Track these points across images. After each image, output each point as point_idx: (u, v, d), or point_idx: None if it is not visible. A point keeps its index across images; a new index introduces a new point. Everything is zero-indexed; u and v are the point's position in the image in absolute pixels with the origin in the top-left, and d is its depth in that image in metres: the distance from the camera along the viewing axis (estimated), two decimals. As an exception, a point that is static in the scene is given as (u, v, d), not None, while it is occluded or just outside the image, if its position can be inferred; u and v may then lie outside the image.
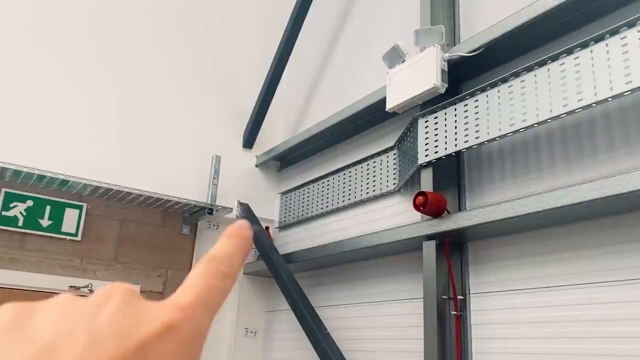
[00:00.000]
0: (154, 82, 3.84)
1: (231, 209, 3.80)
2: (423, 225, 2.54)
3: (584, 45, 2.10)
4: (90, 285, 3.26)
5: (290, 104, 4.43)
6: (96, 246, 3.40)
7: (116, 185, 3.24)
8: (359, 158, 3.42)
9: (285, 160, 4.24)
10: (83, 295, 0.31)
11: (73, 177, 3.11)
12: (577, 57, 2.12)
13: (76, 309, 0.29)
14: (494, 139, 2.35)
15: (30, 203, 3.20)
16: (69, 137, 3.37)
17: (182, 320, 0.30)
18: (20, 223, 3.16)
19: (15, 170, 2.96)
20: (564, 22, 2.33)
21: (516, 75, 2.34)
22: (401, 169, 3.00)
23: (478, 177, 2.64)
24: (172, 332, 0.29)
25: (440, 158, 2.56)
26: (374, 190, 3.21)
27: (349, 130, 3.53)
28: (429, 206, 2.43)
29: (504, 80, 2.38)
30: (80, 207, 3.35)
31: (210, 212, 3.62)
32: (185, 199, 3.52)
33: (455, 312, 2.47)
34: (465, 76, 2.77)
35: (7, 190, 3.16)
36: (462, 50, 2.59)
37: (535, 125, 2.21)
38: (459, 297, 2.50)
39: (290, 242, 3.95)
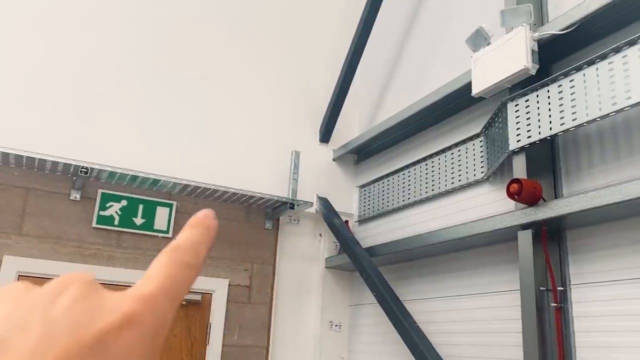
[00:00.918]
0: (235, 82, 3.93)
1: (311, 204, 3.83)
2: (518, 214, 2.44)
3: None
4: (182, 281, 3.37)
5: (365, 96, 4.40)
6: None
7: (203, 183, 3.35)
8: (441, 147, 3.33)
9: (362, 153, 4.21)
10: (38, 284, 0.30)
11: (163, 176, 3.23)
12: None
13: (30, 300, 0.28)
14: (595, 120, 2.21)
15: (124, 203, 3.36)
16: (157, 139, 3.51)
17: (143, 311, 0.29)
18: (116, 222, 3.32)
19: (111, 171, 3.12)
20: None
21: (616, 50, 2.19)
22: (489, 157, 2.89)
23: (575, 161, 2.50)
24: (132, 323, 0.28)
25: (534, 143, 2.45)
26: (459, 180, 3.12)
27: (429, 119, 3.45)
28: (524, 194, 2.33)
29: (603, 57, 2.23)
30: (170, 205, 3.48)
31: (292, 207, 3.66)
32: (268, 195, 3.58)
33: (555, 304, 2.36)
34: (555, 56, 2.63)
35: (104, 191, 3.33)
36: (553, 28, 2.46)
37: (642, 102, 2.06)
38: (558, 288, 2.38)
39: (370, 235, 3.92)
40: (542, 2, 2.80)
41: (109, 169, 3.09)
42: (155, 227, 3.41)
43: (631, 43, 2.13)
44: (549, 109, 2.40)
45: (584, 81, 2.28)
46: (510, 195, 2.37)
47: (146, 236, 3.41)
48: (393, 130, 3.67)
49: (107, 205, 3.32)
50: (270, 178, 3.82)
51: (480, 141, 3.01)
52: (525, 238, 2.44)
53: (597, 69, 2.24)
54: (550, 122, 2.38)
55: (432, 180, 3.35)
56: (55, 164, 3.04)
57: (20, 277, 3.07)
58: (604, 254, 2.32)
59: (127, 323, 0.28)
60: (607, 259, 2.30)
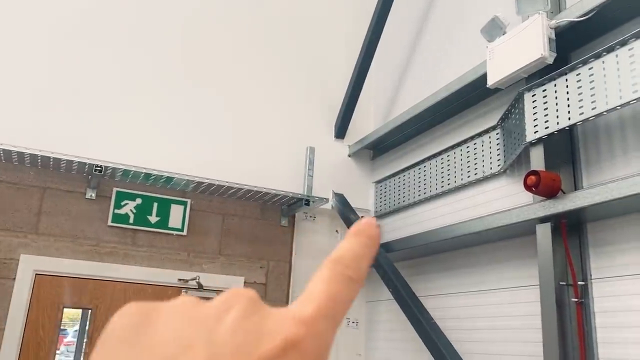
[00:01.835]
0: (248, 78, 3.92)
1: (327, 200, 3.80)
2: (536, 207, 2.37)
3: None
4: (197, 278, 3.37)
5: (380, 91, 4.35)
6: (201, 240, 3.52)
7: (217, 181, 3.34)
8: (457, 141, 3.27)
9: (378, 148, 4.17)
10: (205, 299, 0.29)
11: (177, 174, 3.23)
12: None
13: (197, 318, 0.28)
14: (615, 109, 2.14)
15: (139, 201, 3.37)
16: (171, 136, 3.52)
17: (305, 336, 0.27)
18: (131, 220, 3.33)
19: (125, 169, 3.13)
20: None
21: (636, 36, 2.11)
22: (506, 149, 2.83)
23: (595, 152, 2.42)
24: (293, 349, 0.27)
25: (552, 134, 2.38)
26: (475, 174, 3.06)
27: (444, 112, 3.39)
28: (542, 186, 2.26)
29: (623, 44, 2.16)
30: (184, 203, 3.48)
31: (307, 203, 3.63)
32: (283, 191, 3.56)
33: (576, 299, 2.29)
34: (573, 44, 2.56)
35: (118, 189, 3.34)
36: (570, 15, 2.39)
37: (664, 89, 1.98)
38: (579, 282, 2.31)
39: (387, 231, 3.87)
40: (558, -11, 2.72)
41: (123, 167, 3.10)
42: (170, 225, 3.42)
43: (652, 28, 2.06)
44: (568, 99, 2.33)
45: (603, 69, 2.21)
46: (528, 187, 2.30)
47: (161, 234, 3.41)
48: (409, 124, 3.62)
49: (122, 203, 3.33)
50: (286, 174, 3.80)
51: (497, 133, 2.95)
52: (544, 231, 2.37)
53: (616, 55, 2.17)
54: (569, 112, 2.31)
55: (448, 175, 3.29)
56: (70, 162, 3.06)
57: (37, 275, 3.10)
58: (626, 246, 2.24)
59: (288, 349, 0.27)
60: (629, 251, 2.22)
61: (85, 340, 3.42)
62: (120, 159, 3.19)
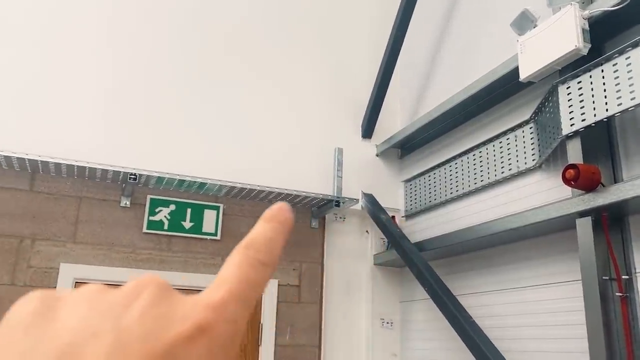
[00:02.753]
0: (275, 82, 3.94)
1: (357, 200, 3.79)
2: (575, 201, 2.33)
3: None
4: (232, 282, 3.39)
5: (406, 89, 4.33)
6: (234, 244, 3.38)
7: (249, 185, 3.36)
8: (488, 137, 3.23)
9: (405, 147, 4.15)
10: (113, 285, 0.29)
11: (210, 179, 3.26)
12: None
13: (104, 305, 0.27)
14: (655, 98, 2.09)
15: (172, 207, 3.41)
16: (202, 142, 3.55)
17: (215, 320, 0.27)
18: (166, 227, 3.37)
19: (159, 177, 3.17)
20: None
21: (676, 23, 2.06)
22: (541, 143, 2.78)
23: (635, 143, 2.37)
24: (203, 334, 0.26)
25: (589, 126, 2.34)
26: (509, 169, 3.02)
27: (474, 108, 3.36)
28: (582, 179, 2.22)
29: (661, 31, 2.11)
30: (217, 208, 3.51)
31: (337, 204, 3.63)
32: (313, 193, 3.56)
33: (620, 294, 2.24)
34: (608, 34, 2.51)
35: (152, 196, 3.39)
36: (604, 4, 2.34)
37: None
38: (623, 277, 2.27)
39: (418, 230, 3.85)
40: (590, -22, 2.68)
41: (156, 174, 3.14)
42: (204, 230, 3.45)
43: (692, 14, 2.01)
44: (604, 90, 2.29)
45: (642, 58, 2.16)
46: (567, 181, 2.27)
47: (195, 239, 3.45)
48: (437, 121, 3.59)
49: (156, 210, 3.37)
50: (315, 176, 3.81)
51: (530, 128, 2.90)
52: (584, 226, 2.33)
53: (655, 43, 2.12)
54: (606, 103, 2.27)
55: (481, 171, 3.26)
56: (105, 172, 3.11)
57: (77, 283, 3.16)
58: (671, 239, 2.19)
59: (198, 333, 0.26)
60: (675, 244, 2.17)
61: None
62: (153, 166, 3.23)
